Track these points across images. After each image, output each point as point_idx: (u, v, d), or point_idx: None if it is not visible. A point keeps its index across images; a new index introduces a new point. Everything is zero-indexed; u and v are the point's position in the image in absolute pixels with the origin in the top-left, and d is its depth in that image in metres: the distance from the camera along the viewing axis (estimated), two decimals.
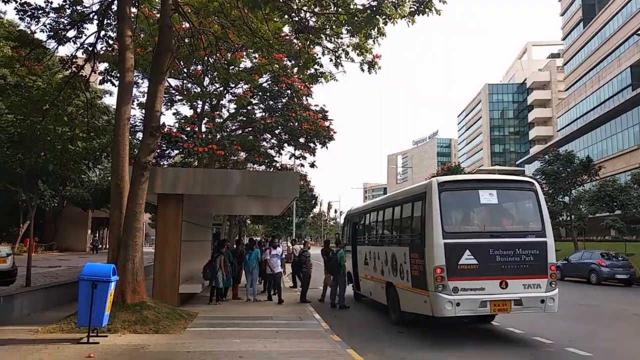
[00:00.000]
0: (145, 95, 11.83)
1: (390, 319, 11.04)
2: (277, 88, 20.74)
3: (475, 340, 9.22)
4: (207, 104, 23.84)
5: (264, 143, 25.86)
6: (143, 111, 20.02)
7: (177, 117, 23.20)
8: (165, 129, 19.36)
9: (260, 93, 22.44)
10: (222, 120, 22.69)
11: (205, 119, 21.34)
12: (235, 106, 24.22)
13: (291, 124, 21.48)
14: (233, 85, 23.19)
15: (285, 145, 25.27)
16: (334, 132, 22.59)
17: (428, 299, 8.76)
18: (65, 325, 8.65)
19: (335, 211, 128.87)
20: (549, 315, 9.48)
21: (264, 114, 22.27)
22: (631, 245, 29.70)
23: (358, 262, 14.07)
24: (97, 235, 53.82)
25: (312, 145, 22.83)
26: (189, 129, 18.79)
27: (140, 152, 9.91)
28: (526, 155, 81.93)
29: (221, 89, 23.61)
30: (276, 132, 23.94)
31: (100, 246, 46.74)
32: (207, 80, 23.57)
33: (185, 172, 12.66)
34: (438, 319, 8.95)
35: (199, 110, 23.27)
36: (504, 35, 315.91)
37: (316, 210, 63.26)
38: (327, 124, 22.16)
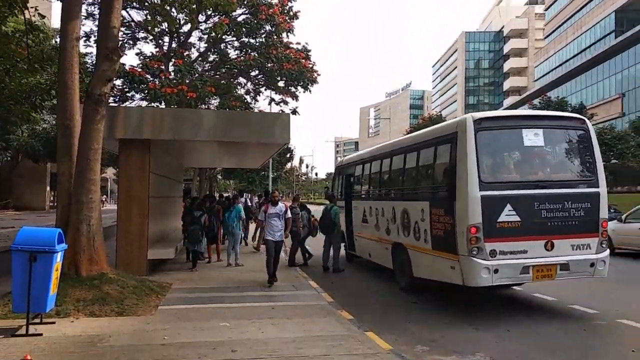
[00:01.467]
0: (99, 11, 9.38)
1: (398, 285, 9.52)
2: (255, 21, 18.23)
3: (510, 312, 7.75)
4: (174, 40, 21.20)
5: (239, 88, 23.51)
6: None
7: (141, 57, 20.54)
8: (127, 67, 16.88)
9: (235, 29, 19.90)
10: (191, 59, 20.17)
11: (173, 59, 18.78)
12: (206, 45, 21.68)
13: (271, 63, 19.19)
14: (203, 18, 20.59)
15: (263, 89, 23.01)
16: (318, 74, 20.42)
17: (457, 264, 7.17)
18: None
19: (307, 166, 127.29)
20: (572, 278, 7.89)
21: (239, 52, 19.83)
22: (614, 197, 29.18)
23: (353, 220, 12.42)
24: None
25: (293, 88, 20.67)
26: (155, 66, 16.31)
27: (93, 82, 7.67)
28: (500, 108, 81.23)
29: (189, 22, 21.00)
30: (252, 74, 21.64)
31: None
32: (174, 12, 20.88)
33: (152, 112, 10.49)
34: (462, 287, 7.42)
35: (165, 48, 20.62)
36: None
37: (289, 165, 61.26)
38: (310, 64, 19.93)
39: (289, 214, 9.65)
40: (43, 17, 10.31)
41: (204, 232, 11.40)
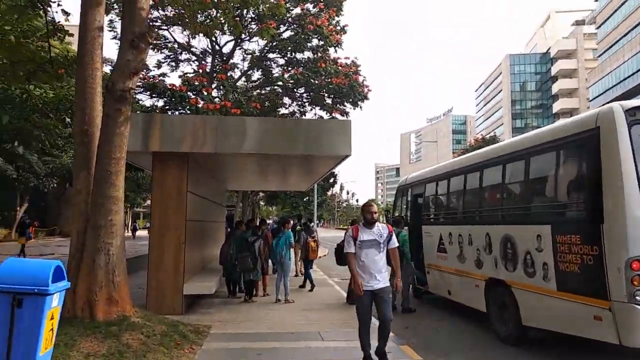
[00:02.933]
0: None
1: (496, 334, 7.37)
2: (301, 32, 16.82)
3: None
4: (217, 60, 20.10)
5: (283, 110, 22.09)
6: None
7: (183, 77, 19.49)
8: (167, 84, 15.70)
9: (279, 45, 18.59)
10: (234, 79, 18.91)
11: (216, 75, 17.57)
12: (249, 64, 20.45)
13: (319, 79, 17.66)
14: (247, 37, 19.45)
15: (309, 108, 21.48)
16: (369, 90, 18.71)
17: (607, 314, 5.06)
18: None
19: (348, 192, 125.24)
20: None
21: (285, 68, 18.44)
22: None
23: (425, 249, 10.37)
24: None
25: (342, 106, 19.03)
26: (196, 82, 15.04)
27: (114, 75, 6.14)
28: None
29: (232, 41, 19.91)
30: (299, 92, 20.20)
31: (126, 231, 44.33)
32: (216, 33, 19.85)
33: (192, 121, 8.92)
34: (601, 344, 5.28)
35: (208, 69, 19.52)
36: (523, 5, 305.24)
37: (332, 190, 59.50)
38: (361, 79, 18.27)
39: (395, 241, 5.59)
40: (67, 14, 9.03)
41: (256, 261, 9.71)
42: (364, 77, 18.50)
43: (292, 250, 10.34)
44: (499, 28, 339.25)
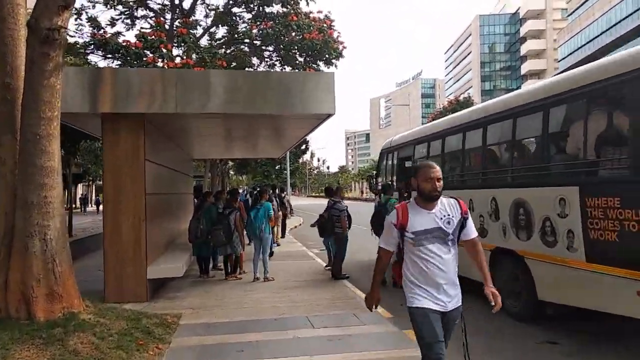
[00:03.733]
0: None
1: (505, 309, 6.58)
2: None
3: None
4: (177, 16, 18.31)
5: (250, 70, 20.56)
6: None
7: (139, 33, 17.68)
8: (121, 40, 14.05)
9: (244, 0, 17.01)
10: (197, 37, 17.25)
11: (176, 32, 15.91)
12: (212, 19, 18.74)
13: (289, 36, 16.23)
14: None
15: (279, 68, 20.04)
16: (344, 46, 17.39)
17: None
18: None
19: (319, 160, 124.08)
20: None
21: (253, 22, 16.87)
22: None
23: None
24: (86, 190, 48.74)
25: (316, 64, 17.69)
26: (153, 37, 13.42)
27: (38, 9, 4.72)
28: None
29: None
30: (268, 51, 18.72)
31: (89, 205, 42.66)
32: None
33: (149, 75, 7.56)
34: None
35: (167, 26, 17.74)
36: None
37: (304, 157, 58.32)
38: (335, 34, 16.92)
39: (473, 228, 3.33)
40: None
41: (231, 235, 8.69)
42: (339, 32, 17.15)
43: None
44: None
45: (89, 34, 15.96)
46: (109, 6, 18.01)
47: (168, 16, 18.99)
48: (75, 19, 16.63)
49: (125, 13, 18.94)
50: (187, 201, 14.31)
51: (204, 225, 8.95)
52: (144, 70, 9.91)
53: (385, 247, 3.32)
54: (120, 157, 7.37)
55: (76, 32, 16.51)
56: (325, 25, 16.55)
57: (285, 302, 7.25)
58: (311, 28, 16.20)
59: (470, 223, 3.27)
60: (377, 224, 8.80)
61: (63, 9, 4.69)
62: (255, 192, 9.36)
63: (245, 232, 9.46)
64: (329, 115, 7.71)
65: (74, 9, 16.61)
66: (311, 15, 17.27)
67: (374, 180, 11.91)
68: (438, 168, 3.16)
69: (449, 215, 3.14)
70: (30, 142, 4.75)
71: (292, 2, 16.70)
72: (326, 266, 9.96)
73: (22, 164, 4.85)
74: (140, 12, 19.36)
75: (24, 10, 5.16)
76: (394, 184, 10.40)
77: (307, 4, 17.27)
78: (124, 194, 7.36)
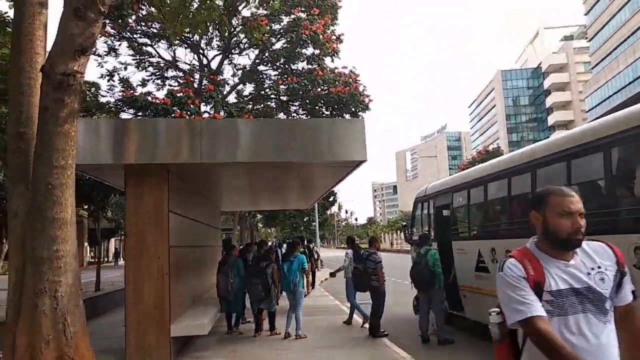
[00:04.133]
0: None
1: None
2: (295, 38, 15.46)
3: None
4: (205, 77, 18.72)
5: None
6: None
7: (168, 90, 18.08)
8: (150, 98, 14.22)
9: (270, 57, 17.30)
10: (223, 93, 17.48)
11: (204, 87, 16.14)
12: (239, 77, 19.06)
13: (315, 90, 16.25)
14: (236, 50, 18.22)
15: None
16: (370, 100, 17.28)
17: None
18: None
19: (346, 211, 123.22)
20: None
21: (279, 78, 17.02)
22: None
23: (457, 268, 8.77)
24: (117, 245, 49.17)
25: (341, 117, 17.56)
26: (181, 94, 13.55)
27: (53, 53, 4.53)
28: None
29: (220, 55, 18.59)
30: (294, 106, 18.78)
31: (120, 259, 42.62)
32: (203, 43, 18.55)
33: (174, 125, 7.35)
34: None
35: (195, 85, 18.12)
36: (510, 23, 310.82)
37: (331, 209, 57.84)
38: (361, 87, 16.87)
39: (630, 288, 2.04)
40: None
41: (269, 289, 8.23)
42: (364, 85, 17.11)
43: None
44: (487, 45, 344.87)
45: (120, 94, 16.34)
46: (140, 68, 18.65)
47: (197, 76, 19.50)
48: (108, 80, 17.17)
49: (156, 74, 19.54)
50: (215, 254, 13.87)
51: (232, 279, 8.51)
52: (169, 120, 9.79)
53: (535, 313, 1.89)
54: (143, 209, 7.04)
55: (108, 92, 16.95)
56: (350, 79, 16.56)
57: None
58: (337, 82, 16.22)
59: (628, 280, 2.04)
60: (417, 277, 8.13)
61: (80, 53, 4.48)
62: (286, 244, 8.91)
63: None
64: (360, 163, 7.27)
65: (106, 71, 17.21)
66: (336, 70, 17.40)
67: (409, 230, 11.27)
68: (576, 196, 2.01)
69: (599, 267, 1.98)
70: (42, 192, 4.43)
71: (317, 58, 16.88)
72: (362, 324, 9.19)
73: (33, 216, 4.50)
74: (171, 73, 19.98)
75: (42, 59, 5.01)
76: (431, 233, 9.75)
77: (332, 60, 17.40)
78: (147, 247, 6.96)
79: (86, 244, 42.74)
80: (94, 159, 6.73)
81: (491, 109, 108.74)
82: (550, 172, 6.24)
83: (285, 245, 15.45)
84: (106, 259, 41.78)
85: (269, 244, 20.50)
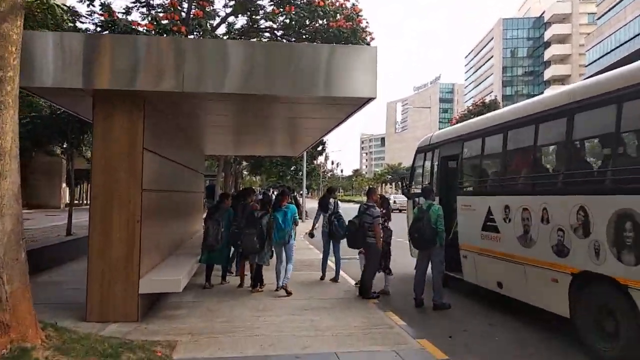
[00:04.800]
0: None
1: (593, 350, 5.10)
2: None
3: None
4: (193, 4, 17.08)
5: None
6: None
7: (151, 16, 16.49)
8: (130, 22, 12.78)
9: None
10: (213, 26, 15.98)
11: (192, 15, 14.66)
12: (232, 8, 17.46)
13: (314, 23, 14.87)
14: None
15: None
16: (372, 37, 15.94)
17: None
18: None
19: (333, 162, 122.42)
20: None
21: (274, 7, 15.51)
22: None
23: (460, 226, 8.04)
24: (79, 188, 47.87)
25: None
26: (166, 21, 12.15)
27: None
28: None
29: None
30: (290, 40, 17.35)
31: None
32: None
33: (155, 45, 6.18)
34: None
35: (183, 14, 16.53)
36: None
37: (319, 159, 56.83)
38: (364, 23, 15.50)
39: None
40: None
41: (264, 240, 7.63)
42: (367, 21, 15.72)
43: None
44: None
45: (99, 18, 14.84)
46: None
47: (185, 5, 17.85)
48: (88, 5, 15.58)
49: (141, 1, 17.85)
50: (198, 201, 13.02)
51: (224, 228, 7.84)
52: (149, 38, 8.49)
53: None
54: (113, 145, 6.06)
55: (87, 18, 15.41)
56: (353, 12, 15.16)
57: (308, 329, 5.83)
58: (338, 15, 14.83)
59: None
60: (417, 234, 7.35)
61: None
62: (279, 193, 8.15)
63: None
64: (369, 100, 6.29)
65: None
66: (337, 2, 15.94)
67: (407, 183, 10.44)
68: None
69: None
70: None
71: None
72: (356, 283, 8.53)
73: None
74: (157, 1, 18.28)
75: None
76: (433, 186, 8.94)
77: None
78: (116, 189, 6.04)
79: (64, 184, 41.47)
80: (57, 82, 5.71)
81: (488, 60, 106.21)
82: (594, 118, 5.33)
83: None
84: (86, 202, 40.79)
85: (260, 191, 19.71)
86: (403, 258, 9.84)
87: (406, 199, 10.55)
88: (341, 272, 9.15)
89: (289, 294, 7.53)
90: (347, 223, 8.28)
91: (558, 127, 5.77)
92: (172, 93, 5.89)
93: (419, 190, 9.99)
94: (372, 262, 7.67)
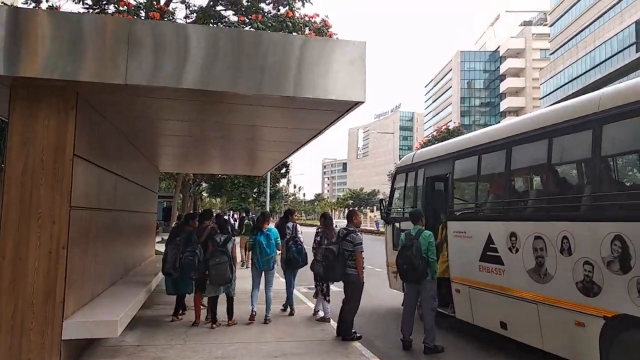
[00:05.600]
0: None
1: None
2: None
3: None
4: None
5: None
6: None
7: None
8: None
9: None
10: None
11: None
12: (194, 15, 16.36)
13: (284, 33, 13.92)
14: None
15: None
16: None
17: None
18: None
19: (295, 186, 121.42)
20: None
21: (240, 15, 14.49)
22: None
23: (451, 254, 7.06)
24: None
25: None
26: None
27: None
28: None
29: None
30: None
31: None
32: None
33: (93, 24, 4.94)
34: None
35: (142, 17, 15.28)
36: (471, 3, 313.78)
37: (284, 181, 55.73)
38: (335, 37, 14.70)
39: None
40: None
41: (233, 269, 6.71)
42: (337, 35, 14.94)
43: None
44: (448, 26, 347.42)
45: None
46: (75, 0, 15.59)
47: (142, 13, 16.62)
48: None
49: (94, 7, 16.47)
50: (150, 223, 11.56)
51: (183, 253, 6.71)
52: (89, 16, 7.11)
53: None
54: (33, 148, 4.75)
55: None
56: (324, 27, 14.35)
57: None
58: (307, 29, 13.99)
59: None
60: (408, 266, 6.28)
61: None
62: (255, 217, 7.05)
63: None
64: (356, 105, 5.26)
65: None
66: (306, 17, 15.12)
67: (386, 206, 9.41)
68: None
69: None
70: None
71: (285, 2, 14.49)
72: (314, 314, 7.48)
73: None
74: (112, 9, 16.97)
75: None
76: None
77: (303, 4, 15.05)
78: (36, 206, 4.70)
79: None
80: None
81: (447, 90, 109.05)
82: (622, 130, 4.48)
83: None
84: None
85: (225, 214, 18.35)
86: (381, 288, 8.77)
87: (384, 223, 9.53)
88: (308, 302, 8.02)
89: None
90: (305, 250, 7.52)
91: (577, 140, 4.91)
92: (112, 86, 4.66)
93: (399, 215, 9.07)
94: (353, 297, 6.52)
